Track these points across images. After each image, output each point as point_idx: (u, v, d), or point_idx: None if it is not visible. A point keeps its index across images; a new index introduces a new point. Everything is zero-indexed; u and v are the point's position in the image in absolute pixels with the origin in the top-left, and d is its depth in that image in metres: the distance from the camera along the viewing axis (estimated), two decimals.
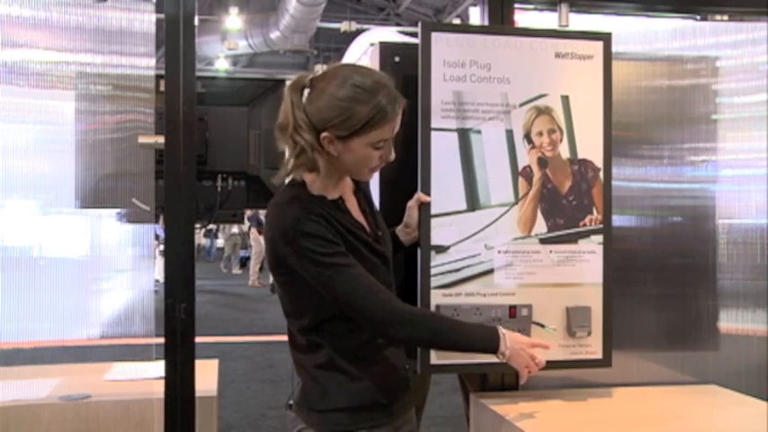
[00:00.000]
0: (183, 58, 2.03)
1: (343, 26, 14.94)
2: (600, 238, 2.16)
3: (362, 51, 8.76)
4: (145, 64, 2.19)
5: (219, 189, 2.35)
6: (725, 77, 2.55)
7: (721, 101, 2.55)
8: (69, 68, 2.22)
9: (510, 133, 2.10)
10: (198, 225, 2.24)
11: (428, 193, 2.02)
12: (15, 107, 2.21)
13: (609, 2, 2.44)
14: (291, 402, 1.76)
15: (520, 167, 2.10)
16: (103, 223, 2.35)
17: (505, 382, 2.26)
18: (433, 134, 2.04)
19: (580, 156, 2.15)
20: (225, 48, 16.63)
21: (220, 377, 2.58)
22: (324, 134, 1.61)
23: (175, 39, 2.03)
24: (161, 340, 2.03)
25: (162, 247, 2.19)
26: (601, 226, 2.16)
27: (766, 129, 2.50)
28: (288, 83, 1.67)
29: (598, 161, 2.17)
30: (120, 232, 2.29)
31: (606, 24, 2.35)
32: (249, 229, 14.45)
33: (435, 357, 2.03)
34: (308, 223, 1.59)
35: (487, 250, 2.07)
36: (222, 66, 18.65)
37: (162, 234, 2.10)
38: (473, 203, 2.07)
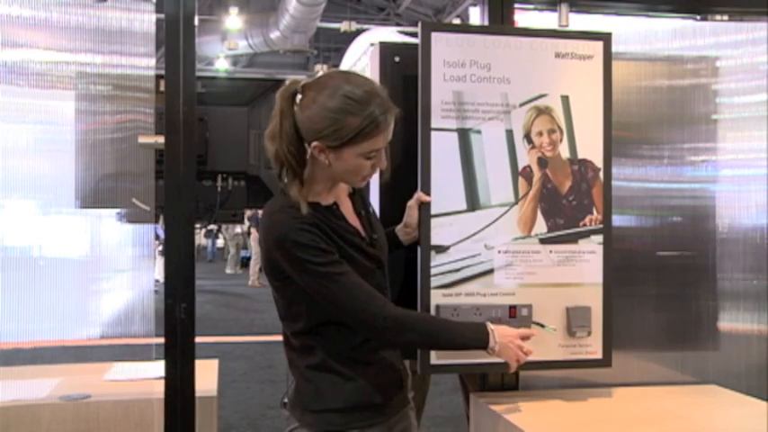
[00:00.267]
0: (183, 58, 2.03)
1: (343, 26, 14.95)
2: (600, 238, 2.16)
3: (362, 51, 8.77)
4: (145, 64, 2.19)
5: (219, 189, 2.34)
6: (725, 77, 2.55)
7: (721, 101, 2.55)
8: (69, 68, 2.22)
9: (510, 133, 2.10)
10: (198, 225, 2.24)
11: (428, 193, 2.02)
12: (15, 107, 2.21)
13: (609, 2, 2.44)
14: (286, 401, 1.76)
15: (520, 167, 2.10)
16: (103, 223, 2.35)
17: (505, 382, 2.27)
18: (433, 134, 2.04)
19: (580, 156, 2.15)
20: (225, 48, 16.64)
21: (220, 377, 2.58)
22: (315, 143, 1.61)
23: (175, 39, 2.03)
24: (161, 340, 2.03)
25: (162, 247, 2.19)
26: (601, 226, 2.16)
27: (766, 129, 2.50)
28: (278, 91, 1.65)
29: (598, 161, 2.17)
30: (120, 232, 2.29)
31: (606, 24, 2.35)
32: (249, 228, 14.46)
33: (435, 357, 2.03)
34: (301, 233, 1.59)
35: (487, 250, 2.07)
36: (222, 66, 18.65)
37: (162, 234, 2.10)
38: (473, 203, 2.07)
